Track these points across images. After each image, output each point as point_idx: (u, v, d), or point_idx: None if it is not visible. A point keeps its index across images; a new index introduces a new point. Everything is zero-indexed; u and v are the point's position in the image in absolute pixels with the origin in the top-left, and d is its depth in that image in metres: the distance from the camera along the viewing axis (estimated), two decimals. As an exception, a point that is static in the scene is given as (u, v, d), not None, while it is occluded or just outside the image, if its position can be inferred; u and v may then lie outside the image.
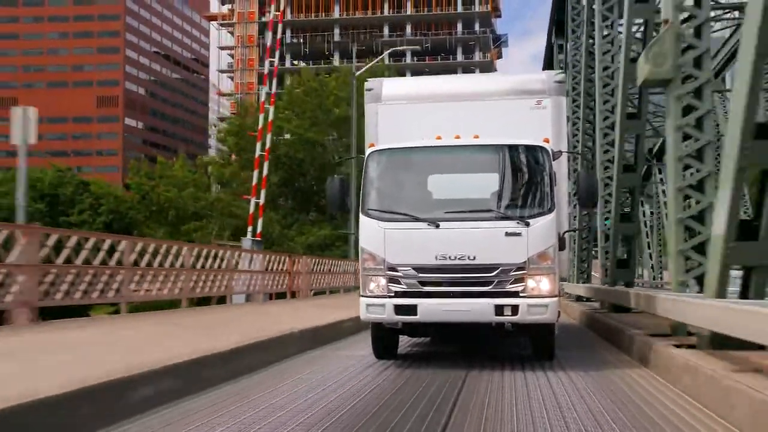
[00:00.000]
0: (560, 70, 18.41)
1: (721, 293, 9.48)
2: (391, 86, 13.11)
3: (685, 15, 12.23)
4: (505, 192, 11.03)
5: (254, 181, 37.44)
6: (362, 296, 10.92)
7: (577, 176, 11.27)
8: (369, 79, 13.15)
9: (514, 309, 10.33)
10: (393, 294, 10.68)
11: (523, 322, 10.49)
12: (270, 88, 38.27)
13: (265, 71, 38.90)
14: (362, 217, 10.99)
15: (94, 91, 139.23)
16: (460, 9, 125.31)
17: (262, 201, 35.36)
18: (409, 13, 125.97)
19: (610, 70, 21.07)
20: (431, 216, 10.62)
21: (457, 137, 11.13)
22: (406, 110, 12.60)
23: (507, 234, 10.40)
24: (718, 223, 9.51)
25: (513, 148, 11.06)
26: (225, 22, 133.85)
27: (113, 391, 7.07)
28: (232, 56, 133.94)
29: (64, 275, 14.16)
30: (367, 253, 10.86)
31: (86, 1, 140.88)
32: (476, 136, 11.08)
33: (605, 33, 21.46)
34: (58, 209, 71.07)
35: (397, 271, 10.64)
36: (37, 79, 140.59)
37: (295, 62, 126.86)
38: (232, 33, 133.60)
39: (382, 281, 10.72)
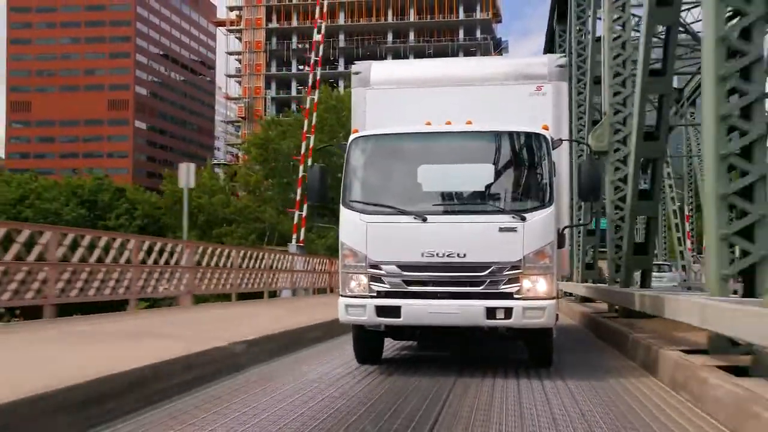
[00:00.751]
0: (562, 54, 16.88)
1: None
2: (381, 70, 11.77)
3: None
4: (499, 183, 9.78)
5: (297, 197, 39.01)
6: (341, 296, 9.67)
7: (579, 165, 9.95)
8: (357, 63, 11.85)
9: (508, 312, 9.06)
10: (375, 294, 9.43)
11: (518, 327, 9.21)
12: (310, 122, 38.97)
13: (307, 105, 40.10)
14: (343, 210, 9.72)
15: (105, 94, 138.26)
16: (461, 16, 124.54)
17: (304, 213, 37.40)
18: (412, 20, 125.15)
19: (621, 40, 18.47)
20: (418, 209, 9.37)
21: (448, 123, 9.87)
22: (396, 95, 11.30)
23: (501, 229, 9.15)
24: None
25: (508, 136, 9.78)
26: (233, 28, 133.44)
27: (298, 334, 12.74)
28: (239, 61, 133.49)
29: (207, 274, 21.02)
30: (347, 249, 9.60)
31: (98, 7, 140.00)
32: (469, 122, 9.83)
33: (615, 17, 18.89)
34: (96, 214, 74.50)
35: (379, 268, 9.40)
36: (50, 83, 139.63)
37: (301, 67, 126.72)
38: (239, 39, 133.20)
39: (364, 280, 9.48)
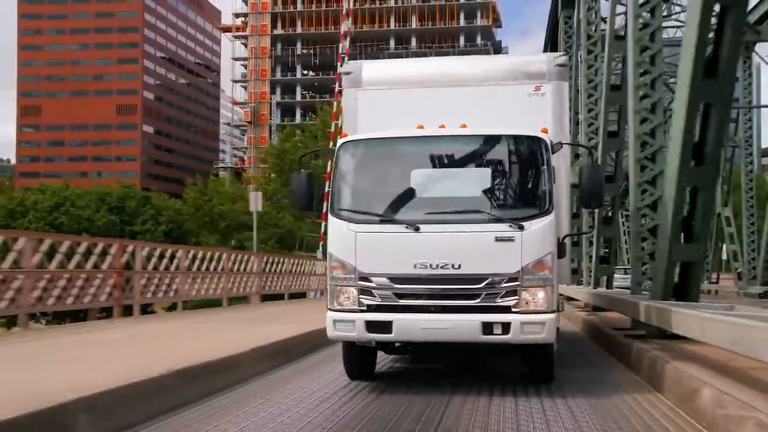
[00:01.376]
0: (563, 53, 15.84)
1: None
2: (372, 69, 10.85)
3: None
4: (495, 190, 8.99)
5: (324, 209, 39.77)
6: (330, 309, 8.84)
7: (580, 171, 9.15)
8: (348, 62, 11.04)
9: (505, 327, 8.26)
10: (365, 308, 8.62)
11: (516, 343, 8.43)
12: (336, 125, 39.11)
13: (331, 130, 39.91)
14: (331, 218, 8.92)
15: (113, 99, 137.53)
16: (462, 23, 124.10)
17: (330, 223, 39.97)
18: (414, 26, 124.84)
19: (649, 29, 15.40)
20: (410, 217, 8.58)
21: (442, 126, 9.04)
22: (389, 96, 10.40)
23: (497, 239, 8.35)
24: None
25: (505, 139, 8.96)
26: (239, 34, 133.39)
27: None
28: (245, 66, 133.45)
29: (271, 278, 26.03)
30: (335, 260, 8.78)
31: (106, 14, 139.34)
32: (463, 126, 8.98)
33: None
34: (124, 219, 77.62)
35: (369, 281, 8.58)
36: (59, 88, 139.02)
37: (305, 72, 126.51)
38: (245, 45, 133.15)
39: (353, 293, 8.66)
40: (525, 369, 9.66)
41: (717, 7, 10.88)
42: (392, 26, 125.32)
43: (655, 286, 12.32)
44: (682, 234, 11.86)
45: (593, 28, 23.10)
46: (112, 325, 14.53)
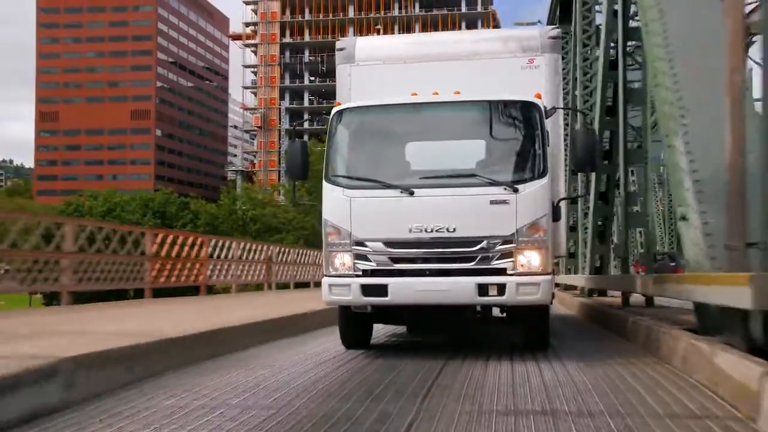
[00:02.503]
0: (555, 25, 15.41)
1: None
2: (366, 45, 10.60)
3: None
4: (489, 154, 8.68)
5: None
6: (325, 275, 8.58)
7: (573, 135, 8.83)
8: (341, 38, 10.76)
9: (501, 288, 8.00)
10: (360, 273, 8.35)
11: (512, 304, 8.14)
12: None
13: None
14: (325, 185, 8.64)
15: (128, 105, 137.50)
16: (464, 9, 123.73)
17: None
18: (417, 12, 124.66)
19: None
20: (404, 182, 8.31)
21: (436, 93, 8.76)
22: (382, 71, 10.12)
23: (492, 202, 8.08)
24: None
25: (499, 105, 8.67)
26: (249, 42, 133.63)
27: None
28: (255, 73, 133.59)
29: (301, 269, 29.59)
30: (330, 226, 8.52)
31: (121, 23, 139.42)
32: (457, 92, 8.72)
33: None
34: (166, 223, 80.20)
35: (364, 246, 8.33)
36: (76, 94, 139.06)
37: (312, 78, 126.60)
38: (255, 52, 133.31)
39: (348, 258, 8.41)
40: (520, 339, 9.38)
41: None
42: (396, 31, 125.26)
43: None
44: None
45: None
46: (205, 298, 19.41)
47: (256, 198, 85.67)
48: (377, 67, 10.18)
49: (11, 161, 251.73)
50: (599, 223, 17.45)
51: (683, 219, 8.00)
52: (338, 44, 10.52)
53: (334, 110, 8.88)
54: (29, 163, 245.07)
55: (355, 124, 8.91)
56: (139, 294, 17.82)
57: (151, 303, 15.59)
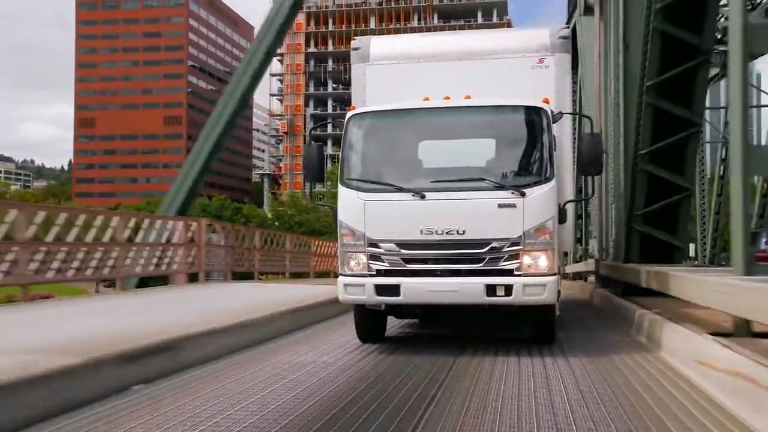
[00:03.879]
0: (565, 25, 15.07)
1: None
2: (380, 45, 10.42)
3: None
4: (498, 158, 8.59)
5: None
6: (340, 275, 8.54)
7: (580, 139, 8.72)
8: (356, 38, 10.65)
9: (508, 289, 7.92)
10: (374, 273, 8.29)
11: (518, 304, 8.05)
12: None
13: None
14: (340, 188, 8.59)
15: (161, 111, 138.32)
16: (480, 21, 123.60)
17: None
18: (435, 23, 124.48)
19: None
20: (416, 186, 8.22)
21: (447, 98, 8.66)
22: (396, 71, 9.99)
23: (500, 205, 7.99)
24: None
25: (507, 110, 8.58)
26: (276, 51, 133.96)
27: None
28: (281, 81, 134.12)
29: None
30: (345, 228, 8.46)
31: (154, 34, 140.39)
32: (467, 97, 8.62)
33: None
34: None
35: (378, 247, 8.26)
36: (112, 101, 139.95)
37: (335, 86, 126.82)
38: (281, 62, 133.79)
39: (362, 259, 8.34)
40: (527, 333, 9.29)
41: None
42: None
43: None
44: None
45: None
46: (263, 283, 21.89)
47: (300, 204, 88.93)
48: (391, 66, 10.06)
49: (32, 161, 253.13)
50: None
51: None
52: (353, 44, 10.39)
53: (348, 115, 8.79)
54: (49, 163, 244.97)
55: (369, 129, 8.83)
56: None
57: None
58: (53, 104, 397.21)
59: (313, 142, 9.17)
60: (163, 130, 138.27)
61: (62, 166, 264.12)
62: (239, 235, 21.40)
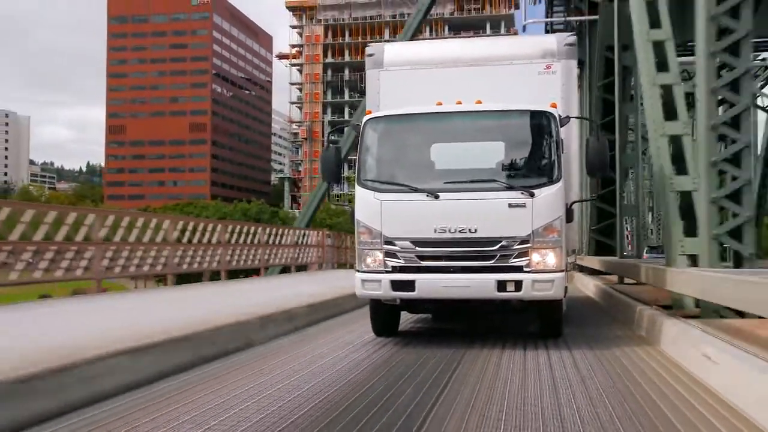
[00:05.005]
0: (571, 32, 14.90)
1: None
2: (394, 51, 10.31)
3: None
4: (508, 160, 8.52)
5: None
6: (358, 271, 8.50)
7: (586, 142, 8.66)
8: (370, 44, 10.58)
9: (518, 285, 7.88)
10: (390, 269, 8.25)
11: (528, 299, 8.02)
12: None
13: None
14: (357, 188, 8.56)
15: (187, 119, 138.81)
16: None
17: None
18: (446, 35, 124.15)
19: None
20: (430, 186, 8.18)
21: (459, 103, 8.63)
22: (409, 76, 9.88)
23: (510, 205, 7.96)
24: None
25: (517, 114, 8.52)
26: (295, 62, 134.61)
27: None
28: (300, 90, 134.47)
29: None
30: (363, 227, 8.43)
31: (181, 45, 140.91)
32: (479, 102, 8.58)
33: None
34: None
35: (394, 245, 8.23)
36: (141, 109, 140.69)
37: (352, 94, 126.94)
38: (300, 71, 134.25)
39: (379, 256, 8.30)
40: (535, 327, 9.25)
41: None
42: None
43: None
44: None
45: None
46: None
47: (330, 208, 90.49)
48: (404, 71, 9.96)
49: (51, 163, 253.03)
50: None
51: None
52: (368, 50, 10.28)
53: (364, 119, 8.75)
54: (68, 165, 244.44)
55: (384, 132, 8.76)
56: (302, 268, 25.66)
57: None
58: (69, 107, 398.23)
59: (331, 145, 9.11)
60: (188, 136, 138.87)
61: (80, 168, 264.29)
62: (341, 239, 29.45)
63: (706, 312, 8.92)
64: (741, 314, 8.05)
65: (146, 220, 15.30)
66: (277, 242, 22.46)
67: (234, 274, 20.22)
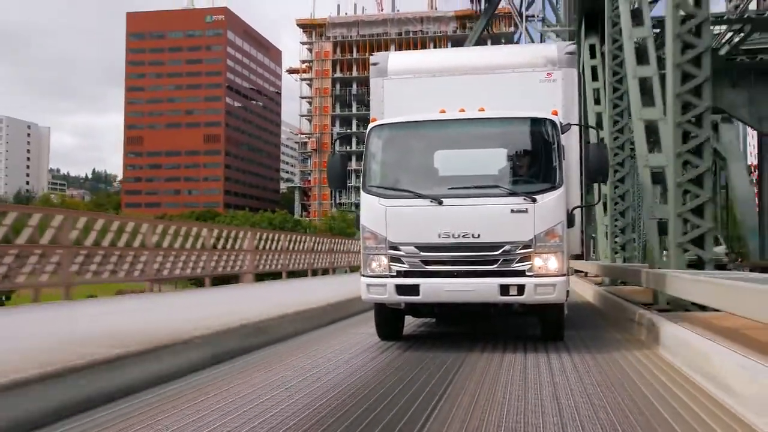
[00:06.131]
0: (572, 41, 14.63)
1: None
2: (397, 60, 10.04)
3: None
4: (510, 167, 8.32)
5: None
6: (363, 276, 8.26)
7: (587, 149, 8.43)
8: (374, 53, 10.36)
9: (520, 289, 7.66)
10: (395, 273, 8.02)
11: (530, 302, 7.79)
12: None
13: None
14: (363, 195, 8.33)
15: (201, 130, 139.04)
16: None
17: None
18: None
19: None
20: (434, 192, 7.95)
21: (462, 110, 8.40)
22: (412, 84, 9.60)
23: (513, 211, 7.73)
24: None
25: (519, 121, 8.29)
26: (305, 76, 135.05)
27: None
28: (310, 103, 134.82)
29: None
30: (368, 232, 8.19)
31: (196, 60, 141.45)
32: (481, 109, 8.36)
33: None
34: None
35: (398, 249, 8.00)
36: (157, 121, 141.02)
37: (359, 107, 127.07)
38: (310, 85, 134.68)
39: (384, 260, 8.06)
40: (537, 330, 9.01)
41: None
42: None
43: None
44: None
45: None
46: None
47: (347, 217, 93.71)
48: (408, 80, 9.68)
49: (58, 170, 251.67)
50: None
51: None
52: (372, 59, 10.02)
53: (369, 126, 8.53)
54: (74, 171, 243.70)
55: (389, 139, 8.53)
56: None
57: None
58: (72, 114, 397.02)
59: (336, 152, 8.90)
60: (203, 147, 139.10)
61: (86, 175, 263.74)
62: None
63: (676, 307, 9.80)
64: (703, 308, 8.94)
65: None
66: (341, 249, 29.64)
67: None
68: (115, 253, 13.20)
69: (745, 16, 19.95)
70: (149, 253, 14.29)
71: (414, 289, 7.92)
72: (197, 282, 40.38)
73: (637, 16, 13.85)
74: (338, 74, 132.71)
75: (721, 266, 10.79)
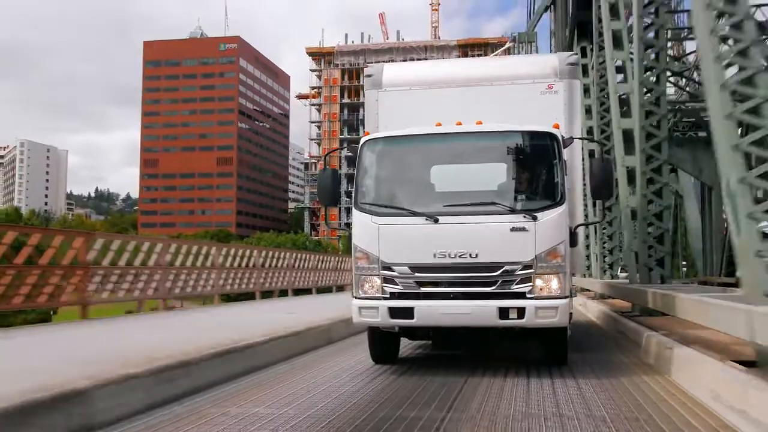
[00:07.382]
0: (573, 52, 13.95)
1: None
2: (393, 72, 9.27)
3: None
4: (509, 183, 7.54)
5: None
6: (355, 297, 7.53)
7: (590, 163, 7.72)
8: (369, 65, 9.64)
9: (521, 312, 6.92)
10: (388, 295, 7.30)
11: (531, 326, 7.03)
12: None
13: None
14: (355, 212, 7.64)
15: (214, 153, 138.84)
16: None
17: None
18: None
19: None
20: (429, 210, 7.26)
21: (459, 124, 7.69)
22: (408, 97, 8.88)
23: (512, 229, 7.02)
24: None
25: (518, 135, 7.54)
26: (314, 101, 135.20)
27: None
28: (319, 128, 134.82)
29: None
30: (360, 251, 7.48)
31: (209, 86, 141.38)
32: (479, 122, 7.64)
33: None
34: None
35: (392, 270, 7.29)
36: (173, 145, 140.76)
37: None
38: (318, 110, 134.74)
39: (376, 281, 7.35)
40: (538, 354, 8.24)
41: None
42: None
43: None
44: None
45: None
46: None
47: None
48: (403, 92, 8.96)
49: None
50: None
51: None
52: (367, 71, 9.32)
53: (362, 140, 7.83)
54: (77, 190, 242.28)
55: (383, 153, 7.84)
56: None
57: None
58: (75, 133, 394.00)
59: (327, 167, 8.19)
60: (216, 169, 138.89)
61: (89, 193, 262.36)
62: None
63: (644, 313, 11.61)
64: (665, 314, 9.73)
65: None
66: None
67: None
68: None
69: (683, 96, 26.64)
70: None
71: (408, 312, 7.21)
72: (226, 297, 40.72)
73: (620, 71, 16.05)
74: (346, 100, 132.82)
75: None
